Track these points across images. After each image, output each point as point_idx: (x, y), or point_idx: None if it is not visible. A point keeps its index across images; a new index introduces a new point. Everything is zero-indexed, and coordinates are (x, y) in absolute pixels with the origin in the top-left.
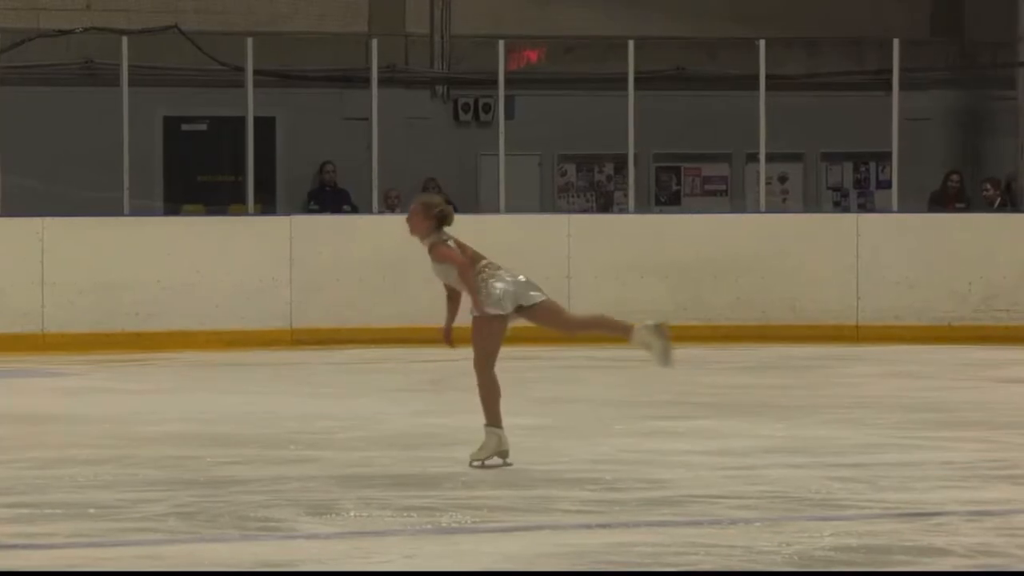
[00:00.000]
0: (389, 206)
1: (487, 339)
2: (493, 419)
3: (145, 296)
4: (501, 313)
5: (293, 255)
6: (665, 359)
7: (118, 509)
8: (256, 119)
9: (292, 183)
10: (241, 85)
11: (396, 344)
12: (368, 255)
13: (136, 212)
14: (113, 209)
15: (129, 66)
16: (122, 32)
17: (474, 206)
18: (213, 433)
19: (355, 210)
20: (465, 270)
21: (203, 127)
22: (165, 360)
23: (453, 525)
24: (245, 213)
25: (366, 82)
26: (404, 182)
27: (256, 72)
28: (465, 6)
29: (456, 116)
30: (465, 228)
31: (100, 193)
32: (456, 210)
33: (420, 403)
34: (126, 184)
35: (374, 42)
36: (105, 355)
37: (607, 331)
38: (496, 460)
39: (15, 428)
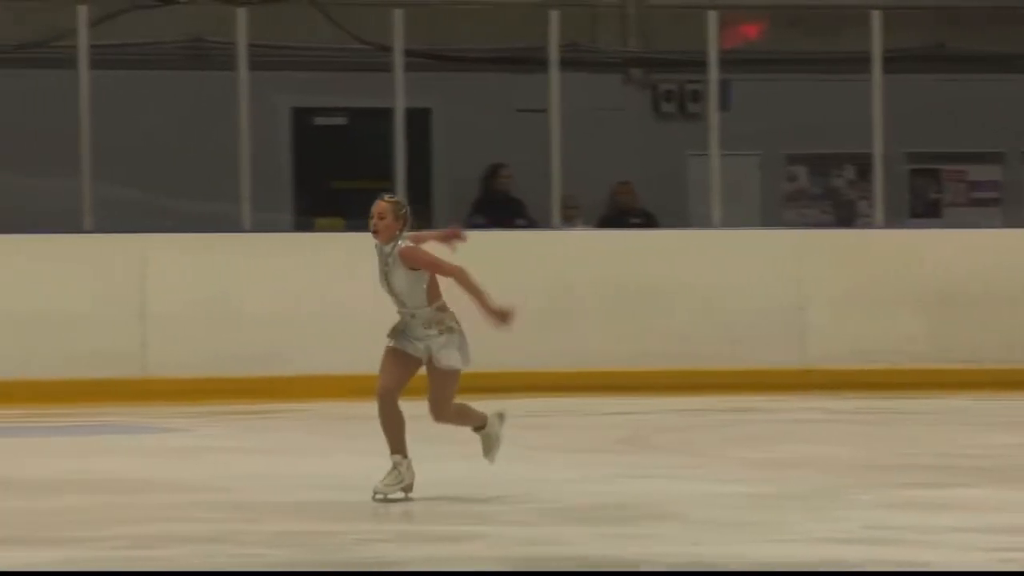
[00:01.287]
0: (566, 218)
1: (450, 392)
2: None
3: (268, 333)
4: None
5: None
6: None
7: None
8: (407, 111)
9: (453, 190)
10: (388, 69)
11: (577, 392)
12: (545, 279)
13: (259, 228)
14: (230, 224)
15: (247, 45)
16: (238, 3)
17: (680, 218)
18: (352, 503)
19: (531, 224)
20: (463, 272)
21: (341, 121)
22: (291, 412)
23: None
24: None
25: (543, 64)
26: (590, 188)
27: (406, 53)
28: None
29: (656, 106)
30: (670, 245)
31: (213, 204)
32: (656, 223)
33: (610, 466)
34: (245, 193)
35: (554, 15)
36: (217, 405)
37: (465, 422)
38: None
39: (104, 498)
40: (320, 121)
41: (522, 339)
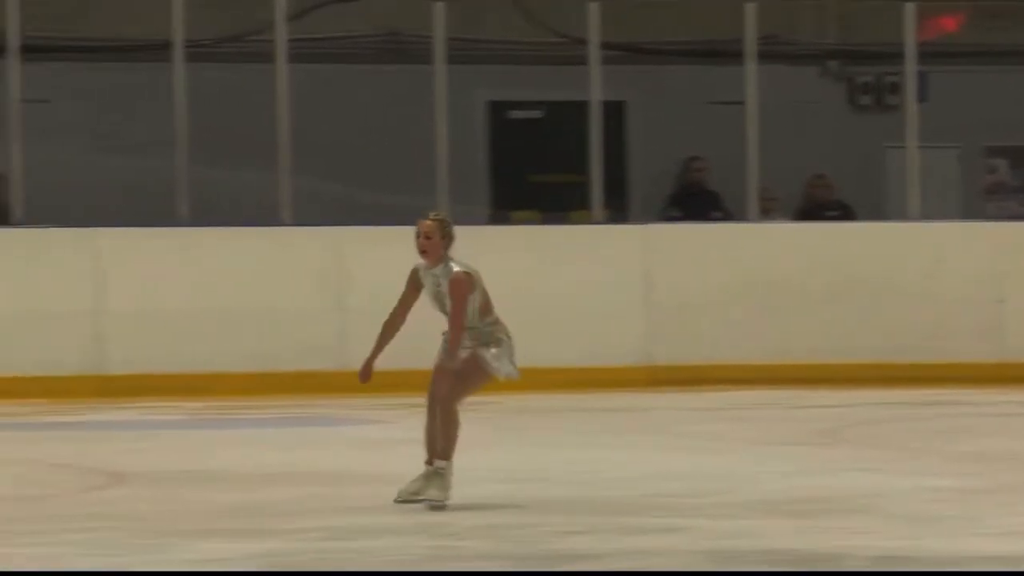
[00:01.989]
0: (763, 211)
1: (473, 384)
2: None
3: None
4: (493, 376)
5: (649, 273)
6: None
7: None
8: (603, 104)
9: (648, 183)
10: (584, 62)
11: (775, 385)
12: (742, 273)
13: (455, 220)
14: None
15: (444, 38)
16: None
17: (878, 211)
18: (548, 496)
19: (727, 217)
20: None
21: (537, 114)
22: (486, 405)
23: None
24: (589, 221)
25: (740, 57)
26: (786, 181)
27: (602, 46)
28: None
29: (853, 99)
30: (869, 238)
31: (409, 198)
32: (853, 216)
33: (808, 459)
34: (442, 186)
35: (750, 7)
36: (415, 398)
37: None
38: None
39: (303, 489)
40: (516, 115)
41: (723, 332)
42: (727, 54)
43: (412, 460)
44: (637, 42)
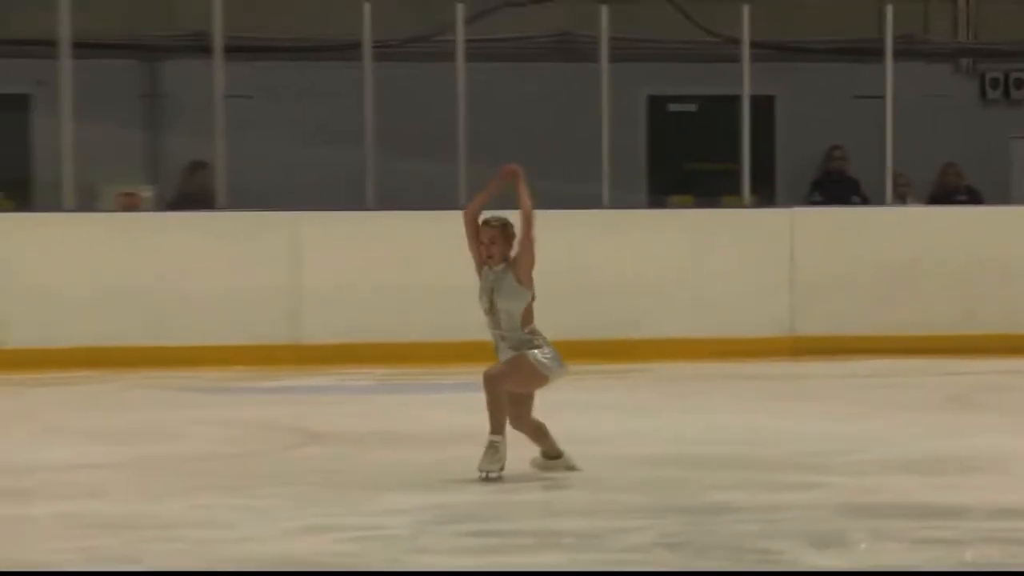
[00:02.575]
0: (899, 196)
1: (525, 381)
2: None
3: (624, 299)
4: (546, 376)
5: (794, 253)
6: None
7: (597, 538)
8: (753, 98)
9: (794, 171)
10: (736, 60)
11: (910, 355)
12: (879, 253)
13: (617, 205)
14: (590, 202)
15: (609, 38)
16: (602, 0)
17: (1004, 197)
18: (701, 454)
19: (865, 201)
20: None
21: (692, 108)
22: (644, 372)
23: (981, 562)
24: (740, 205)
25: (879, 55)
26: (920, 169)
27: (753, 45)
28: None
29: (983, 93)
30: (995, 222)
31: (575, 184)
32: (981, 200)
33: (939, 422)
34: (605, 172)
35: (889, 8)
36: (583, 365)
37: (541, 443)
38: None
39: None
40: (673, 108)
41: (866, 308)
42: (867, 52)
43: (575, 421)
44: (785, 41)
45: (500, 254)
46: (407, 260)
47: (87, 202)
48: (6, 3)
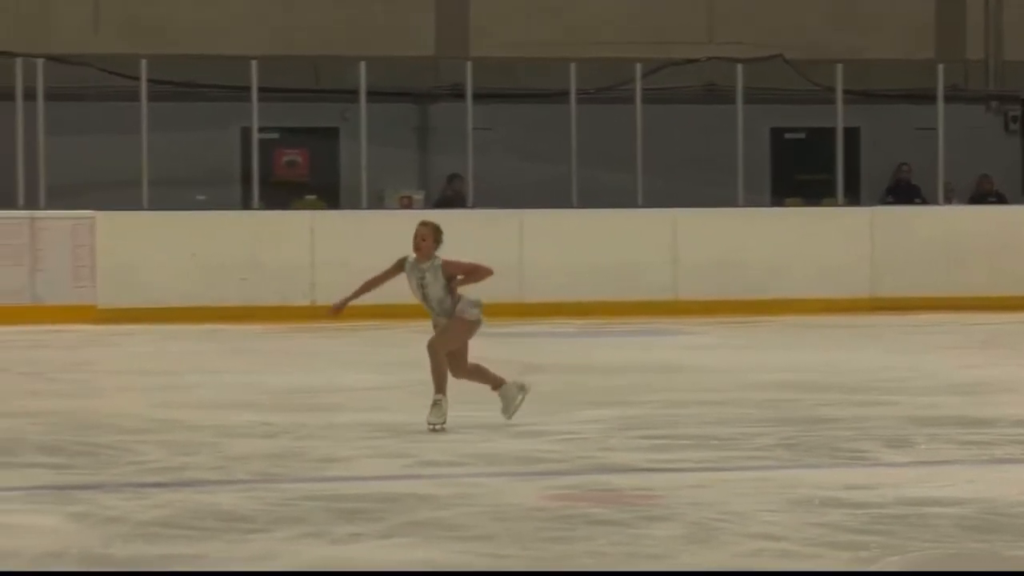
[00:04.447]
0: (947, 198)
1: (462, 335)
2: (442, 388)
3: (755, 271)
4: (475, 321)
5: (874, 238)
6: (509, 411)
7: (735, 440)
8: (844, 129)
9: (873, 181)
10: (832, 102)
11: (955, 310)
12: (934, 237)
13: (748, 205)
14: (729, 203)
15: (743, 88)
16: (737, 60)
17: (1020, 199)
18: (807, 380)
19: (924, 202)
20: (479, 269)
21: (802, 136)
22: (769, 323)
23: (1006, 457)
24: (835, 205)
25: (933, 99)
26: (962, 178)
27: (845, 92)
28: (1017, 35)
29: (1006, 126)
30: (1015, 217)
31: (719, 190)
32: (1007, 201)
33: (974, 358)
34: (740, 182)
35: (940, 67)
36: (723, 318)
37: (484, 381)
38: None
39: (651, 376)
40: (788, 136)
41: (924, 276)
42: (925, 97)
43: (724, 358)
44: (867, 88)
45: (427, 252)
46: (600, 244)
47: (376, 203)
48: (317, 60)
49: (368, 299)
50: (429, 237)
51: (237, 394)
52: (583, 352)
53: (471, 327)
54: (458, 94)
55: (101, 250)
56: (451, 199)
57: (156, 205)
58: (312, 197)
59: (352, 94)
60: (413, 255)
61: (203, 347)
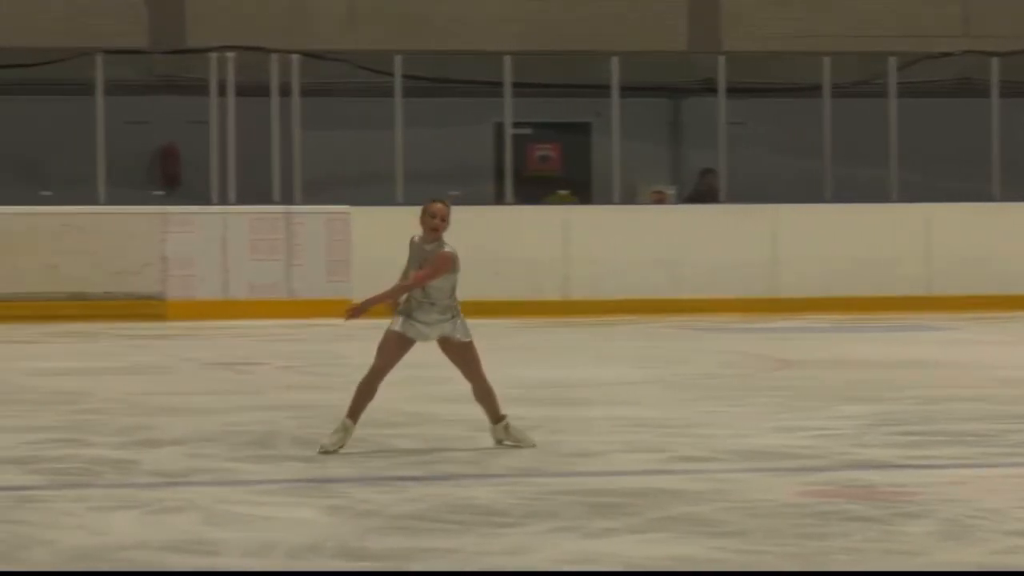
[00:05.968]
0: None
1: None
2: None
3: (1011, 266)
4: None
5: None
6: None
7: (990, 437)
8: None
9: None
10: None
11: None
12: None
13: (1004, 200)
14: (985, 197)
15: (999, 81)
16: (993, 54)
17: None
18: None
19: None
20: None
21: None
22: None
23: None
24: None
25: None
26: None
27: None
28: None
29: None
30: None
31: (974, 185)
32: None
33: None
34: (996, 177)
35: None
36: (978, 313)
37: (486, 406)
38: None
39: (905, 372)
40: None
41: None
42: None
43: (971, 353)
44: None
45: (442, 232)
46: (854, 238)
47: (629, 197)
48: (570, 56)
49: (621, 294)
50: (447, 217)
51: None
52: (837, 347)
53: (472, 348)
54: (710, 88)
55: (356, 244)
56: (703, 194)
57: (410, 200)
58: (564, 192)
59: (605, 89)
60: (418, 236)
61: None
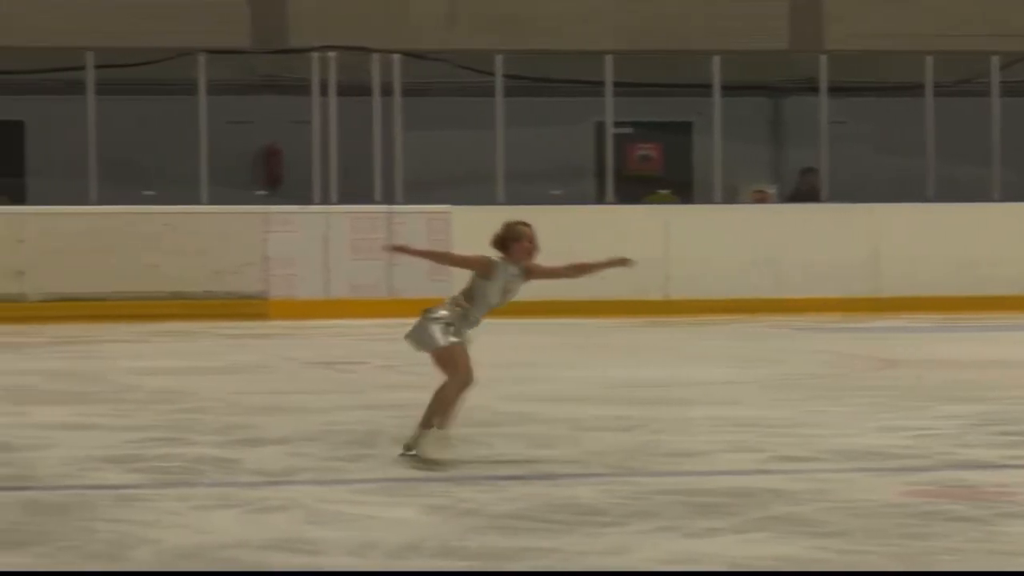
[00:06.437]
0: None
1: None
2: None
3: None
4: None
5: None
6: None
7: None
8: None
9: None
10: None
11: None
12: None
13: None
14: None
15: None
16: None
17: None
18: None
19: None
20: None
21: None
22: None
23: None
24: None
25: None
26: None
27: None
28: None
29: None
30: None
31: None
32: None
33: None
34: None
35: None
36: None
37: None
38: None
39: (1007, 371)
40: None
41: None
42: None
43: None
44: None
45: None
46: (956, 238)
47: (730, 197)
48: (671, 55)
49: (722, 293)
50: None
51: (591, 388)
52: (938, 347)
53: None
54: (812, 87)
55: (457, 244)
56: (805, 193)
57: (511, 199)
58: (665, 191)
59: (706, 88)
60: (500, 256)
61: (555, 340)
